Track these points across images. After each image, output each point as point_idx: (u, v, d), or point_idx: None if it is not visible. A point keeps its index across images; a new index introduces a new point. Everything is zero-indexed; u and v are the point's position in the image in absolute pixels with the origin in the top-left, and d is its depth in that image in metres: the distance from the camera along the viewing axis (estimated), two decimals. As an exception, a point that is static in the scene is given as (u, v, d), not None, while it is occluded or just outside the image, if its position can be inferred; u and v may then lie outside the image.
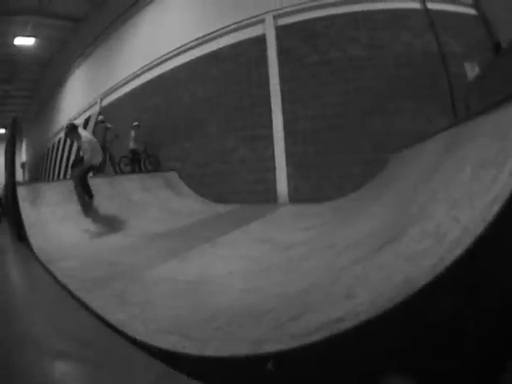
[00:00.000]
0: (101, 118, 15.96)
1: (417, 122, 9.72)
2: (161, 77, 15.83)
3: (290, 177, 11.07)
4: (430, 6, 10.76)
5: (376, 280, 2.45)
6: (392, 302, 1.97)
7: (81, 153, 9.34)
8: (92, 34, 21.25)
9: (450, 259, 1.90)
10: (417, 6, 10.74)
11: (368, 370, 1.91)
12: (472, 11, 11.24)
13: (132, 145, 15.32)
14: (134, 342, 2.85)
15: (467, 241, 1.90)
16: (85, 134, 9.16)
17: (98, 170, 9.92)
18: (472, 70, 10.12)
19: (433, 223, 2.63)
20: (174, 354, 2.55)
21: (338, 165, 10.37)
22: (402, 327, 1.92)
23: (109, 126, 15.74)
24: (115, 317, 3.28)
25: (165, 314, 3.24)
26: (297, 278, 3.51)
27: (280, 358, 2.08)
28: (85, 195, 9.10)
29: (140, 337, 2.85)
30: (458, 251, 1.90)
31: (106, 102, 20.18)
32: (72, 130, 8.94)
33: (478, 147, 2.89)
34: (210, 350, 2.44)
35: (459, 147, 3.54)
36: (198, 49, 13.96)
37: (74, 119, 23.09)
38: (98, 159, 9.26)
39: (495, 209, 1.88)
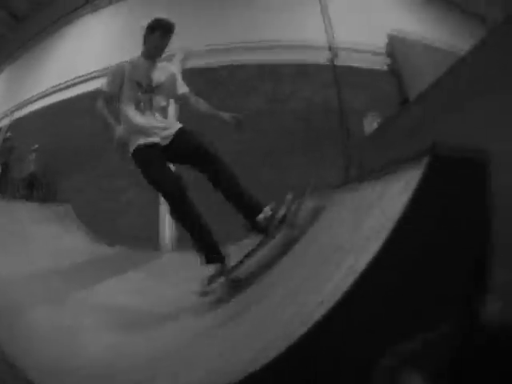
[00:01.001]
0: (9, 135, 15.52)
1: (308, 177, 9.86)
2: (68, 101, 15.37)
3: (175, 224, 10.72)
4: (339, 61, 11.31)
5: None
6: None
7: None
8: (22, 38, 20.36)
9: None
10: (324, 61, 11.28)
11: None
12: (384, 67, 11.84)
13: (30, 169, 14.73)
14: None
15: (283, 345, 1.78)
16: None
17: None
18: (370, 126, 10.58)
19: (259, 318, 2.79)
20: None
21: (224, 214, 10.44)
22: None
23: (15, 145, 15.38)
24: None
25: (40, 360, 3.16)
26: (147, 343, 3.58)
27: None
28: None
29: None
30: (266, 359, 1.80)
31: (17, 115, 18.74)
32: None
33: (334, 225, 3.12)
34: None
35: (321, 220, 3.85)
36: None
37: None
38: None
39: (321, 311, 1.81)
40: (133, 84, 4.51)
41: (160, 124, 4.54)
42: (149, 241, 11.41)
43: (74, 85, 15.40)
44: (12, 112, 19.07)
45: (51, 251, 9.53)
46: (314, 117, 10.68)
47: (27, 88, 18.59)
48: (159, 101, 4.63)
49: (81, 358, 3.22)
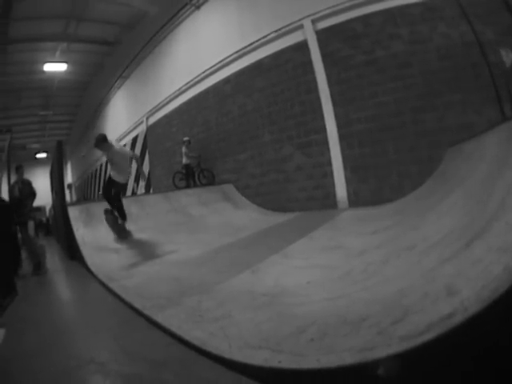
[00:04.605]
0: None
1: (467, 114, 9.38)
2: (206, 91, 16.01)
3: (348, 181, 10.84)
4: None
5: (474, 274, 2.39)
6: (497, 292, 1.96)
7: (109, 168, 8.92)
8: (129, 56, 21.61)
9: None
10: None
11: (489, 364, 1.87)
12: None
13: (185, 160, 15.50)
14: (218, 360, 2.74)
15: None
16: (118, 146, 8.80)
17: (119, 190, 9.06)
18: (508, 57, 9.80)
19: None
20: (268, 370, 2.44)
21: (395, 165, 10.13)
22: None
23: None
24: (192, 335, 3.17)
25: (248, 328, 3.09)
26: (383, 283, 3.38)
27: (391, 361, 2.03)
28: (117, 217, 8.81)
29: (225, 354, 2.74)
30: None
31: (152, 120, 20.65)
32: (100, 141, 8.30)
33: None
34: (310, 363, 2.33)
35: None
36: (239, 61, 14.07)
37: (121, 139, 23.84)
38: (125, 177, 8.75)
39: None
40: None
41: None
42: (323, 201, 11.46)
43: (204, 78, 16.07)
44: (147, 117, 20.97)
45: (229, 224, 10.08)
46: (455, 52, 9.88)
47: (156, 93, 20.04)
48: None
49: (299, 320, 3.03)
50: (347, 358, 2.20)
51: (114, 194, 8.69)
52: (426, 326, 2.09)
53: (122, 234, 8.34)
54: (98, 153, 23.32)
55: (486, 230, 2.81)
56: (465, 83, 9.60)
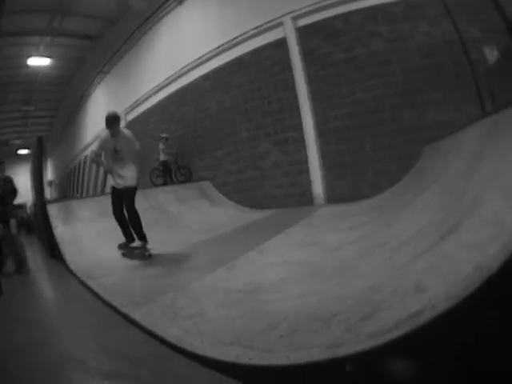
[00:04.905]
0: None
1: (447, 112, 9.41)
2: (185, 88, 15.92)
3: (325, 177, 10.90)
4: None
5: (445, 271, 2.41)
6: (466, 290, 1.95)
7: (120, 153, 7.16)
8: (110, 50, 21.44)
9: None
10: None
11: (457, 362, 1.85)
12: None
13: (162, 157, 15.37)
14: (192, 357, 2.75)
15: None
16: (126, 131, 7.65)
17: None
18: (491, 55, 9.85)
19: (490, 211, 2.58)
20: (240, 366, 2.45)
21: (372, 162, 10.17)
22: (481, 315, 1.87)
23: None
24: (168, 332, 3.18)
25: (221, 325, 3.10)
26: (356, 279, 3.39)
27: (359, 358, 2.04)
28: (133, 248, 7.14)
29: (199, 351, 2.74)
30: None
31: (130, 116, 20.44)
32: (116, 120, 7.18)
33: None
34: (279, 359, 2.34)
35: (501, 136, 3.46)
36: (219, 57, 13.97)
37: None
38: (132, 175, 7.09)
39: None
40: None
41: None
42: (300, 197, 11.49)
43: (184, 74, 15.97)
44: (126, 114, 20.59)
45: (206, 221, 10.11)
46: (437, 50, 9.93)
47: (135, 89, 19.81)
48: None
49: (271, 316, 3.05)
50: (316, 355, 2.20)
51: (124, 204, 6.99)
52: (394, 323, 2.10)
53: (144, 257, 6.70)
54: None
55: (458, 227, 2.83)
56: (446, 81, 9.64)
